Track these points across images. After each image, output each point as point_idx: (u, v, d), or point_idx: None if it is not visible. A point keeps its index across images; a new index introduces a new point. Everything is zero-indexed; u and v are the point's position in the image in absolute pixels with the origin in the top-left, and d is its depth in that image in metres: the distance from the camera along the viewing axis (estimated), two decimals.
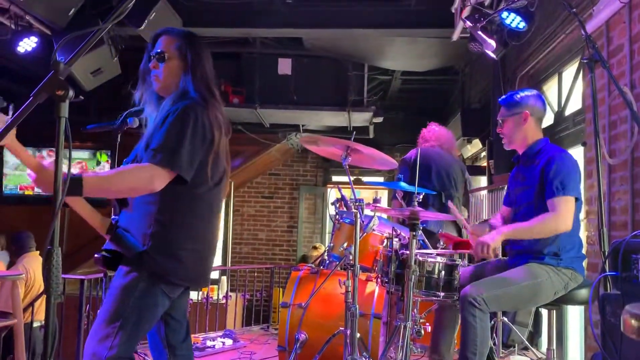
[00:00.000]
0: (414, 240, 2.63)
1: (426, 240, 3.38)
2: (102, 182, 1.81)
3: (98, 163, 7.78)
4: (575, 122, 4.04)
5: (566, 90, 4.36)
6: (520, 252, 2.71)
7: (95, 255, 1.96)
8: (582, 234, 2.91)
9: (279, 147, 8.52)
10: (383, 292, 3.29)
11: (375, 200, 3.01)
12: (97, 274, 4.22)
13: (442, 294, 2.69)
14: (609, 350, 1.97)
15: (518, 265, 2.64)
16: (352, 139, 2.88)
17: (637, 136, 2.89)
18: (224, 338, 4.56)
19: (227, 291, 6.46)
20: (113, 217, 1.99)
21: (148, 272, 1.87)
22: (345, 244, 3.02)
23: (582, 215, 3.10)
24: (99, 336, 1.83)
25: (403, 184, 3.16)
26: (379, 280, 3.04)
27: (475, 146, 6.83)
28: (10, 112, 1.60)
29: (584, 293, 2.62)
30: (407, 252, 2.66)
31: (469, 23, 3.86)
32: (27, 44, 4.70)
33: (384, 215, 3.66)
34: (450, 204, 3.19)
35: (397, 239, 2.86)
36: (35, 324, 4.72)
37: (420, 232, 2.77)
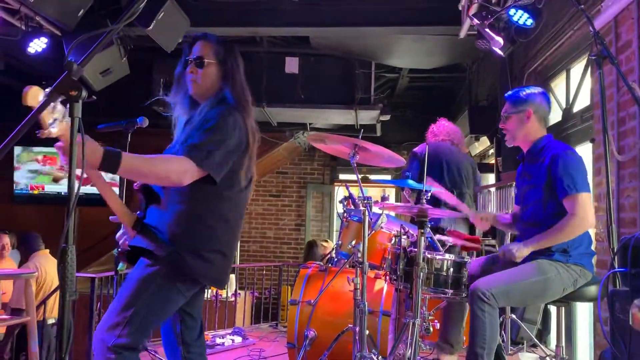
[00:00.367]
0: (422, 238, 2.64)
1: (435, 239, 3.37)
2: (138, 163, 1.81)
3: None
4: (584, 119, 4.02)
5: (574, 87, 4.35)
6: None
7: (119, 250, 2.01)
8: (591, 231, 2.90)
9: (286, 145, 8.54)
10: (391, 290, 3.30)
11: (384, 198, 3.01)
12: (108, 272, 4.25)
13: (450, 291, 2.70)
14: (618, 346, 1.97)
15: (527, 261, 2.64)
16: (360, 137, 2.89)
17: None
18: (233, 335, 4.60)
19: (235, 289, 6.49)
20: (138, 212, 2.01)
21: (167, 269, 1.89)
22: (353, 242, 3.03)
23: None
24: (109, 324, 1.86)
25: (411, 181, 3.15)
26: (387, 277, 3.05)
27: (483, 143, 6.82)
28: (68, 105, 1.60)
29: (593, 290, 2.62)
30: (416, 249, 2.66)
31: (476, 20, 3.85)
32: (38, 45, 4.74)
33: (392, 213, 3.66)
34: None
35: (405, 237, 2.87)
36: (49, 321, 4.76)
37: (428, 230, 2.76)
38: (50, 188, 8.32)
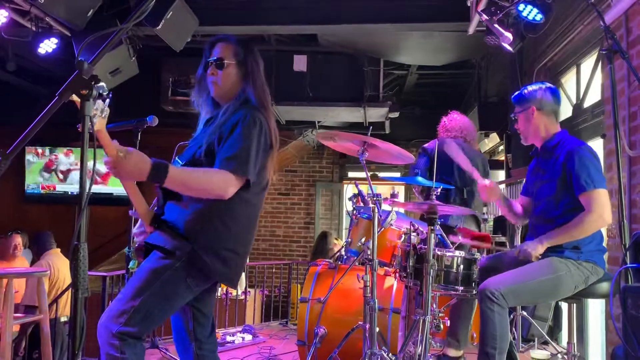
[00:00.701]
0: (432, 235, 2.63)
1: (444, 236, 3.36)
2: (187, 178, 1.85)
3: None
4: (594, 114, 4.00)
5: (585, 82, 4.31)
6: None
7: (137, 245, 2.02)
8: (603, 227, 2.88)
9: (295, 143, 8.54)
10: (401, 287, 3.30)
11: (393, 195, 3.01)
12: (118, 270, 4.28)
13: (460, 288, 2.69)
14: (630, 343, 1.95)
15: (536, 257, 2.62)
16: (369, 134, 2.89)
17: None
18: (243, 333, 4.61)
19: (245, 287, 6.51)
20: (156, 209, 2.02)
21: (180, 263, 1.90)
22: (363, 239, 3.03)
23: None
24: (115, 311, 1.87)
25: (420, 178, 3.15)
26: (397, 274, 3.04)
27: (492, 140, 6.79)
28: (107, 100, 1.62)
29: (604, 286, 2.60)
30: (426, 246, 2.66)
31: (485, 16, 3.83)
32: (48, 45, 4.78)
33: (401, 210, 3.65)
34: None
35: (415, 234, 2.86)
36: (61, 319, 4.80)
37: (438, 227, 2.76)
38: (61, 188, 8.39)
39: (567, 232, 2.55)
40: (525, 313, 3.92)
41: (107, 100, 1.59)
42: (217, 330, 4.83)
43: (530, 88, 2.81)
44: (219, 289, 6.15)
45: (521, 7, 3.81)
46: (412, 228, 2.87)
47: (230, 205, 1.95)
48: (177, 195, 1.98)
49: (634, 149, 3.09)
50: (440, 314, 2.73)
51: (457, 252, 2.72)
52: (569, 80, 4.72)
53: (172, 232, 1.93)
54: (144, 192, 1.97)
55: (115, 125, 2.77)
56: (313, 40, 6.64)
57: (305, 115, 7.68)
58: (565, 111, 4.50)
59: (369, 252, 2.81)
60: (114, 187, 7.56)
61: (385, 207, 2.96)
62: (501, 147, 6.58)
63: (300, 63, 6.98)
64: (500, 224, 5.16)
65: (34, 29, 4.66)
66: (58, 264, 5.12)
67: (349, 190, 3.60)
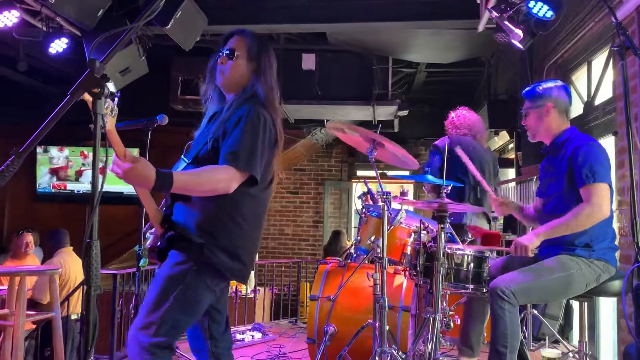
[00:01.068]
0: (442, 233, 2.62)
1: (454, 234, 3.35)
2: (190, 181, 1.86)
3: None
4: (606, 112, 3.96)
5: (596, 79, 4.28)
6: (550, 244, 2.67)
7: (148, 246, 2.02)
8: (615, 225, 2.86)
9: (303, 142, 8.55)
10: (411, 285, 3.29)
11: (403, 193, 3.00)
12: (129, 269, 4.30)
13: (471, 286, 2.68)
14: None
15: (548, 257, 2.61)
16: (378, 132, 2.88)
17: None
18: (253, 331, 4.63)
19: (255, 285, 6.52)
20: (165, 209, 2.03)
21: (197, 265, 1.90)
22: (372, 237, 3.03)
23: (614, 205, 3.05)
24: (142, 323, 1.87)
25: (430, 176, 3.13)
26: (407, 273, 3.04)
27: (502, 138, 6.75)
28: (116, 100, 1.62)
29: (617, 284, 2.58)
30: (436, 244, 2.65)
31: (495, 13, 3.80)
32: (59, 45, 4.81)
33: (410, 208, 3.64)
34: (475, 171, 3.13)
35: (425, 232, 2.86)
36: (72, 317, 4.84)
37: (448, 225, 2.75)
38: (72, 186, 8.45)
39: (564, 223, 2.52)
40: (536, 312, 3.90)
41: (117, 100, 1.60)
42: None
43: (545, 85, 2.78)
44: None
45: (531, 4, 3.78)
46: (422, 226, 2.86)
47: (238, 202, 1.95)
48: (185, 195, 1.99)
49: None
50: (450, 312, 2.72)
51: (467, 251, 2.71)
52: (580, 78, 4.69)
53: (183, 231, 1.93)
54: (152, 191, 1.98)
55: (126, 124, 2.79)
56: (322, 39, 6.64)
57: (314, 113, 7.68)
58: (576, 109, 4.47)
59: (378, 250, 2.80)
60: (124, 186, 7.62)
61: (395, 205, 2.96)
62: (511, 145, 6.55)
63: (308, 62, 6.97)
64: (511, 222, 5.14)
65: (44, 29, 4.70)
66: (69, 262, 5.16)
67: (357, 188, 3.59)
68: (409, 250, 2.97)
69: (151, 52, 5.41)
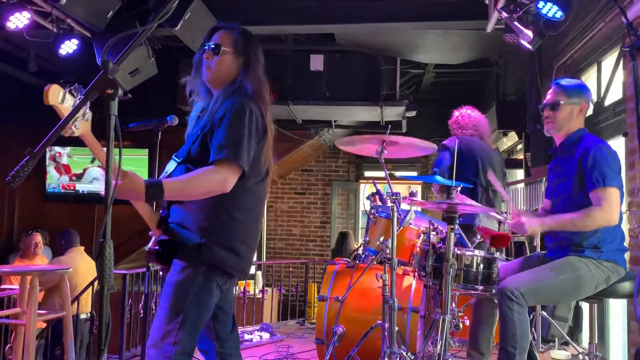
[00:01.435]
0: (452, 234, 2.62)
1: (463, 235, 3.34)
2: (181, 188, 1.87)
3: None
4: (616, 113, 3.95)
5: (606, 80, 4.26)
6: (559, 245, 2.67)
7: (148, 250, 2.01)
8: (625, 227, 2.84)
9: (311, 143, 8.55)
10: (420, 286, 3.29)
11: (412, 194, 3.00)
12: (139, 268, 4.32)
13: (480, 287, 2.67)
14: None
15: (557, 259, 2.60)
16: (388, 132, 2.88)
17: None
18: (261, 332, 4.64)
19: (263, 286, 6.54)
20: (162, 211, 2.03)
21: (205, 266, 1.90)
22: (381, 238, 3.02)
23: (624, 207, 3.03)
24: (161, 333, 1.87)
25: (439, 177, 3.13)
26: (416, 274, 3.03)
27: (511, 139, 6.73)
28: (89, 104, 1.63)
29: (627, 286, 2.57)
30: (445, 245, 2.65)
31: (504, 14, 3.79)
32: (69, 46, 4.85)
33: (418, 209, 3.63)
34: (491, 175, 3.11)
35: (434, 233, 2.85)
36: (81, 316, 4.86)
37: (457, 226, 2.74)
38: (81, 187, 8.50)
39: (571, 220, 2.52)
40: (545, 313, 3.88)
41: (89, 104, 1.61)
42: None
43: (578, 82, 2.76)
44: (237, 287, 6.18)
45: (541, 4, 3.77)
46: (431, 227, 2.86)
47: (234, 197, 1.94)
48: None
49: None
50: (459, 314, 2.72)
51: (476, 252, 2.70)
52: (589, 78, 4.67)
53: (181, 231, 1.93)
54: None
55: (136, 125, 2.81)
56: (330, 40, 6.65)
57: (321, 114, 7.69)
58: None
59: (387, 251, 2.80)
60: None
61: (404, 206, 2.95)
62: (520, 146, 6.52)
63: (316, 62, 6.98)
64: None
65: (55, 30, 4.73)
66: (79, 262, 5.18)
67: (365, 189, 3.59)
68: (418, 251, 2.96)
69: (160, 53, 5.43)
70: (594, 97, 4.47)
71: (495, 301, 2.78)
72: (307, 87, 6.99)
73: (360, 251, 3.45)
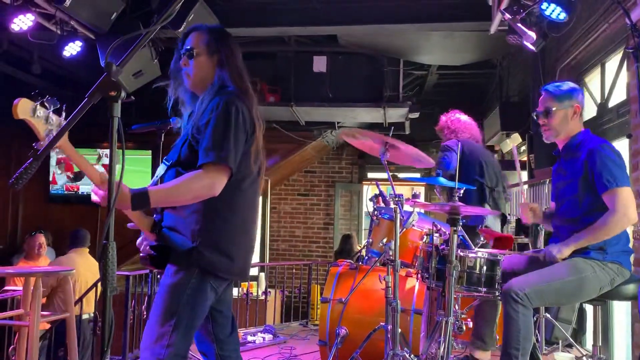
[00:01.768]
0: (455, 236, 2.61)
1: (466, 236, 3.33)
2: (168, 195, 1.87)
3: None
4: (620, 114, 3.93)
5: (609, 81, 4.25)
6: None
7: (142, 255, 1.99)
8: (629, 228, 2.83)
9: (314, 144, 8.56)
10: (423, 288, 3.28)
11: (415, 196, 3.00)
12: (142, 270, 4.33)
13: (483, 289, 2.67)
14: None
15: (562, 260, 2.59)
16: (391, 134, 2.88)
17: None
18: (264, 333, 4.63)
19: (265, 287, 6.54)
20: (155, 215, 2.01)
21: (198, 269, 1.89)
22: (384, 240, 3.02)
23: None
24: (154, 336, 1.86)
25: (442, 179, 3.12)
26: (419, 275, 3.03)
27: (514, 140, 6.72)
28: (64, 114, 1.66)
29: (631, 288, 2.56)
30: (448, 247, 2.64)
31: (507, 15, 3.78)
32: (72, 48, 4.86)
33: (421, 211, 3.62)
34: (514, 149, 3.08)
35: (437, 235, 2.85)
36: (83, 317, 4.87)
37: (460, 228, 2.73)
38: (84, 188, 8.52)
39: (593, 233, 2.52)
40: (548, 315, 3.87)
41: (64, 115, 1.62)
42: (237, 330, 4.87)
43: (569, 85, 2.74)
44: (240, 288, 6.19)
45: (544, 5, 3.76)
46: (434, 229, 2.85)
47: (226, 198, 1.91)
48: None
49: None
50: (462, 315, 2.71)
51: (479, 253, 2.70)
52: (593, 80, 4.66)
53: (174, 235, 1.92)
54: None
55: (140, 127, 2.81)
56: (333, 41, 6.65)
57: (324, 116, 7.69)
58: (590, 111, 4.44)
59: (390, 253, 2.80)
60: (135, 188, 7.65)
61: (407, 207, 2.95)
62: (523, 148, 6.51)
63: (319, 64, 6.99)
64: (523, 225, 5.10)
65: (59, 32, 4.74)
66: (78, 263, 5.17)
67: (368, 191, 3.59)
68: (420, 253, 2.96)
69: (163, 55, 5.44)
70: (598, 99, 4.46)
71: (498, 301, 2.79)
72: (310, 89, 7.00)
73: (363, 253, 3.45)
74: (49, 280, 4.39)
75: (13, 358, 3.35)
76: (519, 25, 3.77)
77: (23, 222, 8.72)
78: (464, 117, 4.02)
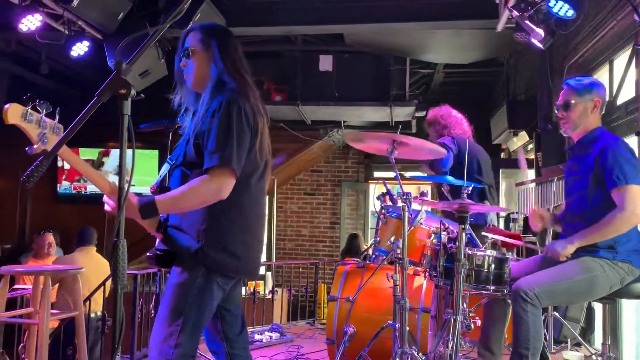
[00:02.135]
0: (463, 234, 2.61)
1: (474, 235, 3.32)
2: (175, 202, 1.87)
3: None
4: (628, 111, 3.91)
5: (618, 78, 4.23)
6: None
7: (148, 254, 1.99)
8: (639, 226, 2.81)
9: (320, 143, 8.56)
10: (431, 286, 3.28)
11: (422, 194, 2.99)
12: (150, 269, 4.34)
13: (492, 287, 2.66)
14: None
15: (571, 259, 2.58)
16: (399, 132, 2.87)
17: None
18: (271, 332, 4.64)
19: (272, 286, 6.54)
20: (161, 215, 2.01)
21: (204, 268, 1.89)
22: (392, 238, 3.02)
23: None
24: (162, 336, 1.86)
25: (450, 177, 3.11)
26: (427, 274, 3.02)
27: (521, 138, 6.69)
28: (57, 117, 1.65)
29: None
30: (456, 246, 2.64)
31: (515, 12, 3.77)
32: (80, 48, 4.88)
33: (428, 209, 3.61)
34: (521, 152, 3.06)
35: (445, 233, 2.84)
36: (92, 315, 4.89)
37: (468, 226, 2.72)
38: (92, 188, 8.55)
39: (599, 230, 2.50)
40: (557, 314, 3.86)
41: (57, 118, 1.62)
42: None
43: (589, 80, 2.72)
44: (247, 287, 6.20)
45: (552, 3, 3.75)
46: (442, 227, 2.85)
47: (231, 197, 1.90)
48: None
49: None
50: (471, 314, 2.70)
51: (488, 252, 2.69)
52: (601, 77, 4.63)
53: (177, 236, 1.92)
54: None
55: (147, 126, 2.81)
56: (339, 40, 6.65)
57: (331, 115, 7.69)
58: None
59: (398, 251, 2.79)
60: (142, 187, 7.69)
61: (415, 206, 2.94)
62: (530, 146, 6.48)
63: (326, 63, 6.99)
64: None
65: (66, 32, 4.77)
66: (84, 261, 5.18)
67: (375, 190, 3.58)
68: (428, 251, 2.95)
69: (170, 54, 5.46)
70: (606, 96, 4.43)
71: (507, 300, 2.77)
72: (316, 88, 7.00)
73: (370, 251, 3.45)
74: (54, 277, 4.39)
75: (23, 356, 3.37)
76: (527, 22, 3.76)
77: (31, 221, 8.77)
78: (454, 112, 4.02)
